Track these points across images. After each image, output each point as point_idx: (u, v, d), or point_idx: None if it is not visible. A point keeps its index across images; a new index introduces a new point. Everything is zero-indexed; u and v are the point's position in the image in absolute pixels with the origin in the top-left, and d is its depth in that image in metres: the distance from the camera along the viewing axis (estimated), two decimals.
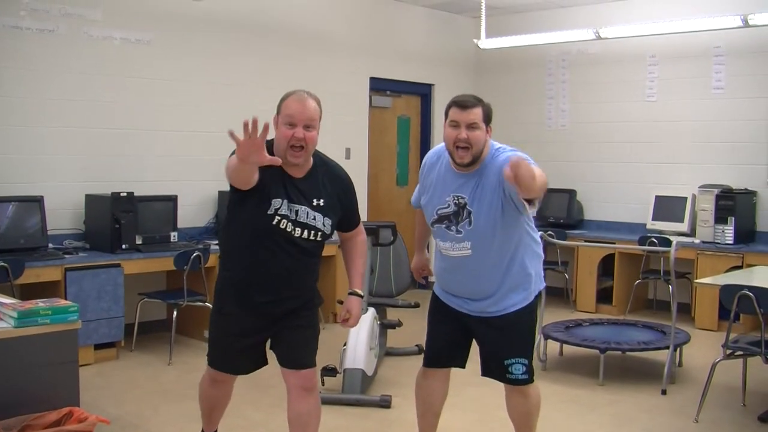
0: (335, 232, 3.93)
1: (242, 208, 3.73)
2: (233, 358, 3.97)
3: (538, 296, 3.94)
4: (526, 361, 3.87)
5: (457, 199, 3.75)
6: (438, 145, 3.99)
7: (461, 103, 3.68)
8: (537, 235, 3.94)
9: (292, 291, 3.82)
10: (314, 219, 3.73)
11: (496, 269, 3.79)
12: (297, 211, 3.69)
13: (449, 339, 4.04)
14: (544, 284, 4.00)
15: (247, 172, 3.48)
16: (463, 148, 3.65)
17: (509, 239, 3.76)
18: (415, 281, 9.48)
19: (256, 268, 3.76)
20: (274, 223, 3.64)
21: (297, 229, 3.69)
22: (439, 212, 3.82)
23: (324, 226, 3.76)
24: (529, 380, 3.90)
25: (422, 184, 4.01)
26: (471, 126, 3.63)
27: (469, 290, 3.87)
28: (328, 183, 3.82)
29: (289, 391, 3.89)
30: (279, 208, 3.66)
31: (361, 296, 3.96)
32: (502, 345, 3.88)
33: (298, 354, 3.86)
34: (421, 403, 4.20)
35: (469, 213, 3.71)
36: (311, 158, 3.80)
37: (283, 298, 3.81)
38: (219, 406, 4.26)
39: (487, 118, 3.72)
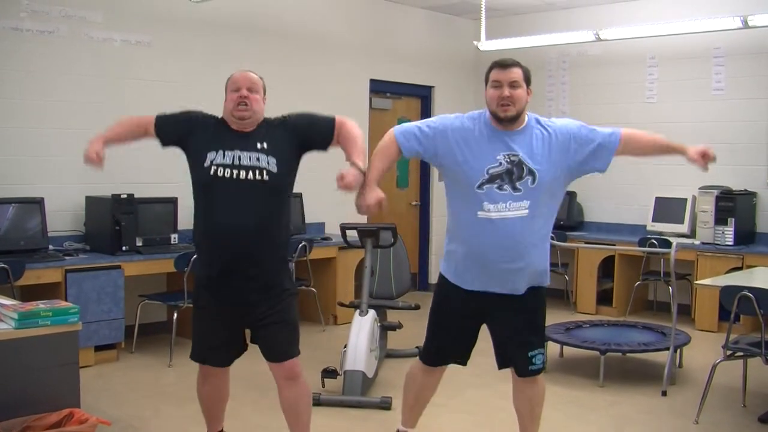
0: (329, 146, 4.11)
1: (191, 172, 3.97)
2: (211, 345, 4.07)
3: None
4: (543, 350, 3.94)
5: (509, 157, 3.73)
6: (464, 114, 3.93)
7: (502, 63, 3.79)
8: None
9: (250, 249, 3.87)
10: (258, 160, 3.87)
11: (541, 235, 3.85)
12: (240, 157, 3.86)
13: (459, 332, 3.99)
14: None
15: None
16: (505, 105, 3.72)
17: (553, 207, 3.92)
18: (415, 283, 9.52)
19: (212, 227, 3.90)
20: (211, 173, 3.84)
21: (242, 171, 3.84)
22: (490, 171, 3.72)
23: (269, 164, 3.87)
24: (544, 368, 3.95)
25: (440, 134, 3.83)
26: (512, 84, 3.73)
27: (511, 259, 3.75)
28: (271, 130, 3.99)
29: (277, 383, 4.11)
30: (215, 159, 3.86)
31: (361, 170, 3.85)
32: (527, 334, 3.86)
33: (277, 347, 4.02)
34: (413, 396, 4.23)
35: (531, 171, 3.72)
36: (259, 119, 3.99)
37: (242, 258, 3.87)
38: (215, 404, 4.32)
39: (528, 79, 3.82)
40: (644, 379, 6.24)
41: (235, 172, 3.83)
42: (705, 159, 3.95)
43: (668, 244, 7.62)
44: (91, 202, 6.77)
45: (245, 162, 3.85)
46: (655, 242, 7.98)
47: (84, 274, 6.22)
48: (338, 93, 8.88)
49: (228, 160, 3.85)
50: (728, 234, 7.93)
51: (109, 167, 6.94)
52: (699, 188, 8.33)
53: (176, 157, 7.37)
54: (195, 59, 7.63)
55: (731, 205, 7.95)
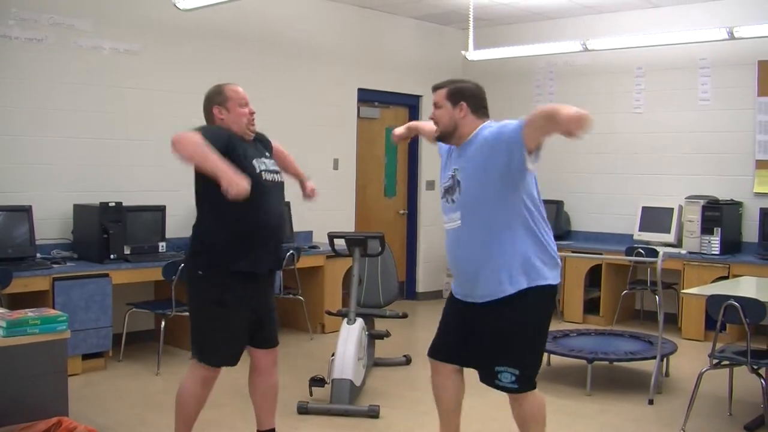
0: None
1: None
2: (238, 347, 4.29)
3: (546, 293, 3.84)
4: (517, 371, 3.79)
5: (454, 172, 3.93)
6: None
7: (432, 87, 4.08)
8: (543, 223, 3.91)
9: (282, 234, 4.45)
10: (274, 164, 4.40)
11: (483, 244, 3.80)
12: (266, 163, 4.29)
13: (454, 332, 4.03)
14: (557, 280, 3.87)
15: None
16: (434, 125, 4.03)
17: (497, 215, 3.77)
18: (403, 292, 9.53)
19: (259, 222, 4.17)
20: (263, 179, 4.18)
21: (275, 175, 4.32)
22: (443, 186, 4.00)
23: (278, 168, 4.42)
24: (521, 389, 3.83)
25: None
26: (435, 105, 4.01)
27: (462, 268, 3.94)
28: (260, 140, 4.47)
29: (260, 370, 4.44)
30: (258, 165, 4.21)
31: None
32: (493, 347, 3.84)
33: (272, 334, 4.44)
34: (437, 402, 4.21)
35: (459, 182, 3.87)
36: None
37: (277, 243, 4.34)
38: (200, 409, 4.39)
39: (453, 97, 3.95)
40: (631, 388, 6.26)
41: (275, 176, 4.31)
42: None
43: (655, 254, 7.65)
44: (79, 210, 6.77)
45: (271, 167, 4.31)
46: (641, 251, 8.01)
47: (72, 282, 6.20)
48: (326, 102, 8.91)
49: (269, 167, 4.29)
50: (714, 243, 7.98)
51: (98, 175, 7.03)
52: (685, 198, 8.38)
53: (164, 166, 7.45)
54: (183, 67, 7.64)
55: (717, 214, 7.99)
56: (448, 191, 3.94)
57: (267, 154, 4.39)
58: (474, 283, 3.87)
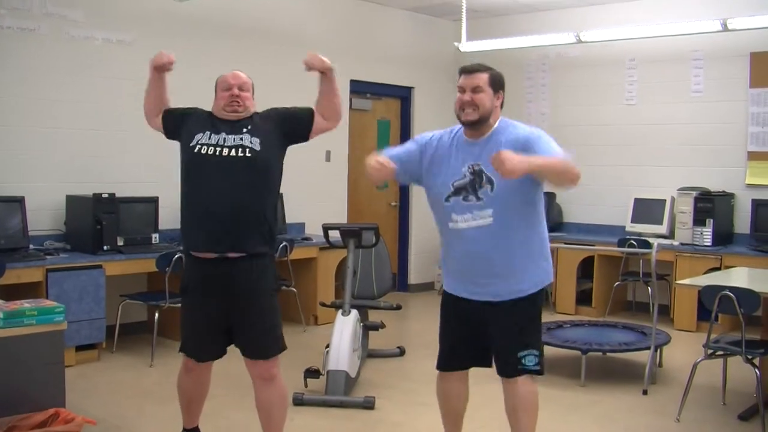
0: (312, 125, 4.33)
1: (181, 157, 4.14)
2: (199, 340, 4.15)
3: (543, 289, 3.88)
4: (537, 353, 3.82)
5: (473, 168, 3.73)
6: (444, 129, 4.00)
7: (467, 69, 3.81)
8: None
9: (231, 225, 3.95)
10: (241, 140, 4.04)
11: (516, 242, 3.75)
12: (225, 138, 4.03)
13: (461, 338, 3.95)
14: (551, 279, 3.94)
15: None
16: (466, 110, 3.74)
17: (529, 213, 3.80)
18: (395, 284, 9.53)
19: (197, 204, 4.03)
20: (195, 150, 4.00)
21: (224, 150, 3.99)
22: (455, 184, 3.77)
23: (252, 143, 4.03)
24: (542, 371, 3.86)
25: (424, 151, 3.92)
26: (475, 89, 3.74)
27: (485, 268, 3.77)
28: (258, 118, 4.19)
29: (252, 381, 4.20)
30: (201, 138, 4.04)
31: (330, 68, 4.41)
32: (516, 335, 3.80)
33: (256, 345, 4.10)
34: (441, 404, 4.13)
35: (490, 179, 3.68)
36: (248, 115, 4.19)
37: (221, 223, 3.95)
38: (195, 398, 4.36)
39: (495, 84, 3.80)
40: (625, 379, 6.28)
41: (218, 150, 3.99)
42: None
43: (648, 245, 7.67)
44: (72, 201, 6.74)
45: (229, 143, 4.02)
46: (634, 243, 8.03)
47: (65, 274, 6.18)
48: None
49: (213, 141, 4.03)
50: (707, 235, 8.00)
51: (90, 166, 7.00)
52: (678, 189, 8.40)
53: (157, 157, 7.42)
54: (176, 58, 7.58)
55: (710, 206, 8.01)
56: (466, 188, 3.74)
57: (243, 130, 4.08)
58: (493, 282, 3.77)
